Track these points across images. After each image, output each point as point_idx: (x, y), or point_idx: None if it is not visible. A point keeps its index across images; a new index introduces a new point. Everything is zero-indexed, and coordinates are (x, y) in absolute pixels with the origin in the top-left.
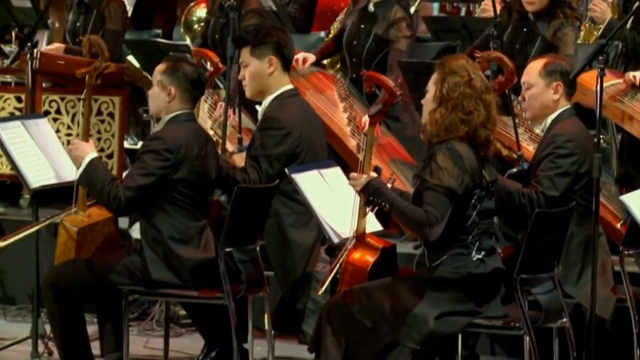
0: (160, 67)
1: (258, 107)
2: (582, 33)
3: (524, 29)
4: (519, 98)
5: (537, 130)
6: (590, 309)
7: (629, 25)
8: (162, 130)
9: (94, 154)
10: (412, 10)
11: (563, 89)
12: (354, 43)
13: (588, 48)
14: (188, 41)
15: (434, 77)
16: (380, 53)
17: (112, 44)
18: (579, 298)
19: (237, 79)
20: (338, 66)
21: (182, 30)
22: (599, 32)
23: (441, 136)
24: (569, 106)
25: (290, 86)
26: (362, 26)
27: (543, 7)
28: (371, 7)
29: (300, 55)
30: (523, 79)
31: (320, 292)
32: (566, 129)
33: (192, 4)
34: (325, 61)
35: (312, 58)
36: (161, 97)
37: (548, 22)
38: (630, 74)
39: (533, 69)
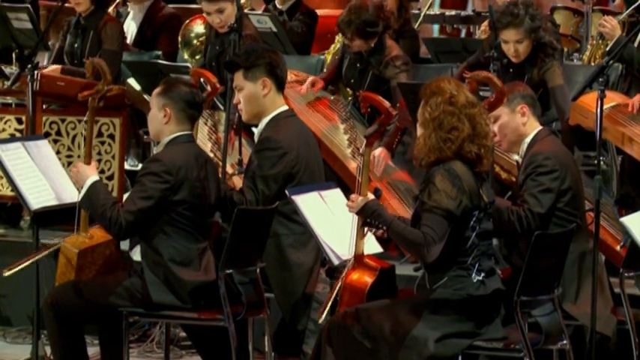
0: (156, 90)
1: (254, 129)
2: (589, 49)
3: (511, 69)
4: (490, 134)
5: (515, 157)
6: (590, 329)
7: (636, 44)
8: (162, 152)
9: (95, 178)
10: (418, 23)
11: (529, 110)
12: (352, 81)
13: (589, 70)
14: (186, 56)
15: (421, 104)
16: (380, 89)
17: (109, 64)
18: (579, 317)
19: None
20: (340, 95)
21: (180, 47)
22: (608, 48)
23: (427, 158)
24: (540, 127)
25: (285, 107)
26: (358, 65)
27: (527, 56)
28: (364, 54)
29: (309, 80)
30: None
31: (321, 320)
32: (543, 147)
33: (187, 20)
34: None
35: (321, 83)
36: (158, 119)
37: (533, 66)
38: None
39: None
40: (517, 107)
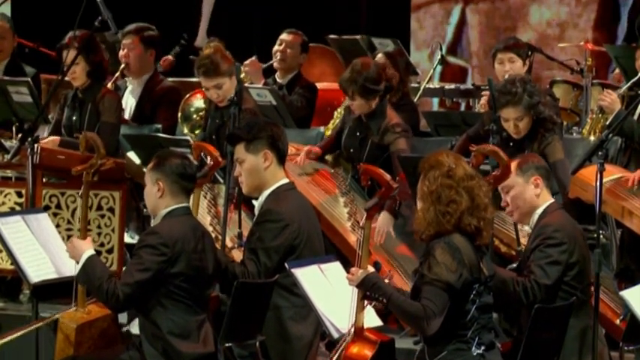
0: (149, 165)
1: (254, 202)
2: (589, 122)
3: (511, 143)
4: (502, 204)
5: (526, 228)
6: None
7: (636, 118)
8: (159, 224)
9: (91, 252)
10: (418, 96)
11: (542, 182)
12: (352, 150)
13: (589, 144)
14: (186, 130)
15: (420, 177)
16: (379, 159)
17: (107, 136)
18: None
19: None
20: (340, 168)
21: (180, 121)
22: (607, 122)
23: (427, 232)
24: (552, 200)
25: (286, 180)
26: (358, 133)
27: (527, 132)
28: (364, 118)
29: (304, 150)
30: (502, 184)
31: None
32: (553, 220)
33: (187, 95)
34: (328, 157)
35: (318, 151)
36: (153, 193)
37: (533, 141)
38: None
39: None
40: (530, 178)
